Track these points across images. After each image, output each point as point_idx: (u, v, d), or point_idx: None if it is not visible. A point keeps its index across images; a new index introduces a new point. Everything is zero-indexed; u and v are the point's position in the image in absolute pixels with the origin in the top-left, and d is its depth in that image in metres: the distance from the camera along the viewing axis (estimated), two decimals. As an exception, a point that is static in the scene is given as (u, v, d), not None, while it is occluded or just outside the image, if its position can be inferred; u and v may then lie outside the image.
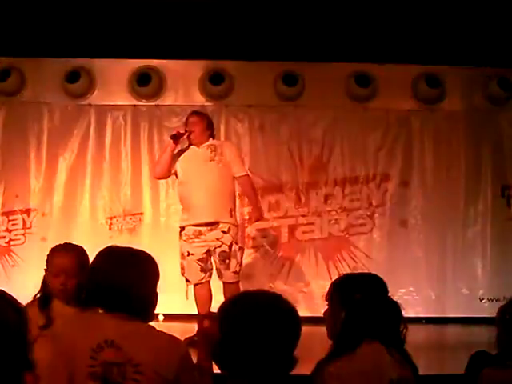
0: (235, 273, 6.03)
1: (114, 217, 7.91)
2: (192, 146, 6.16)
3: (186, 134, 6.11)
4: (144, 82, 7.87)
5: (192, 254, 5.98)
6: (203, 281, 6.01)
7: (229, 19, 7.49)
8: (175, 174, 6.18)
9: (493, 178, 7.97)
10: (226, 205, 6.02)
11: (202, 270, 5.99)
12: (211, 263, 6.04)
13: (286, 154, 7.93)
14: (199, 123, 6.17)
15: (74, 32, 7.51)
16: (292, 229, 7.83)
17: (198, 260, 5.98)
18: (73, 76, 7.83)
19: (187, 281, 6.06)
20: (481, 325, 7.21)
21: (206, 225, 5.95)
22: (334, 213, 7.95)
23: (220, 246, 5.96)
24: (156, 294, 2.86)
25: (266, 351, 2.06)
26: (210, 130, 6.25)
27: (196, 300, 6.08)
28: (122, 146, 7.97)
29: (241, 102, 7.85)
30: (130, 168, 7.95)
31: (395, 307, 2.92)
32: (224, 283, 6.02)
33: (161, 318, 7.24)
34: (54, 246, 3.66)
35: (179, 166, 6.13)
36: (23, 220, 7.93)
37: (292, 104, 7.98)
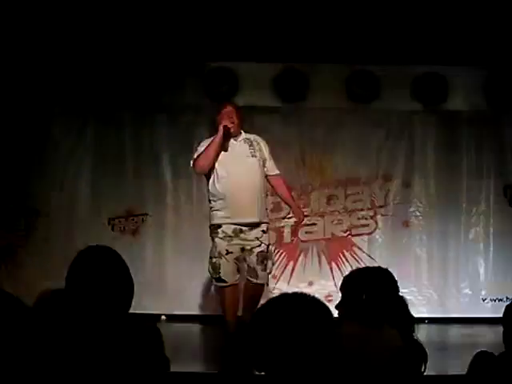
0: (269, 274, 5.92)
1: (117, 217, 7.92)
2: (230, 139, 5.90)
3: (232, 126, 5.83)
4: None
5: (231, 253, 5.73)
6: (237, 282, 5.78)
7: (230, 20, 7.50)
8: (215, 169, 5.85)
9: (495, 177, 7.97)
10: (265, 204, 5.91)
11: (238, 269, 5.80)
12: (245, 264, 5.85)
13: (289, 155, 7.93)
14: (236, 113, 5.90)
15: (75, 34, 7.52)
16: (295, 229, 7.83)
17: (236, 259, 5.75)
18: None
19: (222, 281, 5.76)
20: (483, 325, 7.21)
21: (250, 225, 5.76)
22: (336, 213, 7.96)
23: (259, 246, 5.77)
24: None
25: (298, 352, 2.07)
26: (242, 121, 6.01)
27: (225, 303, 5.78)
28: (125, 145, 7.97)
29: (244, 103, 7.84)
30: (132, 169, 7.95)
31: (402, 302, 3.01)
32: (255, 284, 5.80)
33: (163, 318, 7.26)
34: None
35: (220, 159, 5.82)
36: (26, 221, 7.93)
37: (294, 105, 7.99)
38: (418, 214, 7.96)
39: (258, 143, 5.97)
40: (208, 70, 7.88)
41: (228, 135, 5.84)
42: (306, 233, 7.93)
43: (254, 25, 7.50)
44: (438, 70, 7.87)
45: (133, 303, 2.71)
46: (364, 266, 7.74)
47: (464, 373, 3.50)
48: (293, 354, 2.06)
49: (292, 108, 7.99)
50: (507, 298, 7.51)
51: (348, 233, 7.95)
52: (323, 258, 7.92)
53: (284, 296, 2.22)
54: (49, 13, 7.29)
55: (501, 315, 3.17)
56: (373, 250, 7.91)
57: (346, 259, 7.90)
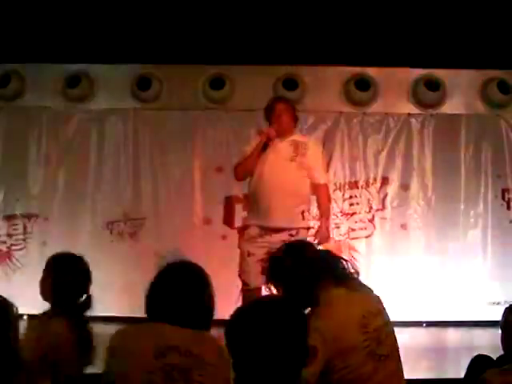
0: None
1: (115, 221, 7.92)
2: (276, 138, 5.63)
3: (275, 133, 5.58)
4: (144, 86, 7.88)
5: (253, 255, 5.51)
6: (261, 285, 5.37)
7: (227, 24, 7.51)
8: None
9: (493, 180, 7.97)
10: (299, 208, 5.59)
11: (263, 271, 5.54)
12: None
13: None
14: (287, 111, 5.65)
15: (74, 37, 7.54)
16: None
17: (260, 260, 5.32)
18: (73, 81, 7.86)
19: (245, 284, 5.58)
20: (481, 328, 7.21)
21: (274, 229, 5.50)
22: (334, 217, 7.94)
23: None
24: (213, 303, 2.84)
25: (279, 355, 2.08)
26: (296, 121, 5.75)
27: None
28: (123, 150, 7.98)
29: (241, 107, 7.86)
30: (130, 172, 7.96)
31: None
32: None
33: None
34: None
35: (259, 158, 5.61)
36: (24, 225, 7.93)
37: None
38: (416, 216, 7.96)
39: (306, 148, 5.64)
40: (205, 74, 7.89)
41: (269, 141, 5.60)
42: (304, 236, 7.91)
43: (251, 28, 7.51)
44: (435, 72, 7.90)
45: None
46: (362, 269, 7.78)
47: (462, 376, 3.51)
48: (268, 358, 2.06)
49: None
50: (505, 302, 7.51)
51: (346, 236, 7.95)
52: (321, 261, 7.90)
53: (262, 302, 2.23)
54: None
55: (499, 318, 3.18)
56: (371, 253, 7.91)
57: (344, 262, 7.88)
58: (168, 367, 2.55)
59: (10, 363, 1.83)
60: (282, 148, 5.62)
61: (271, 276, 3.31)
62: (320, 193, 5.74)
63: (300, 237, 5.51)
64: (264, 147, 5.58)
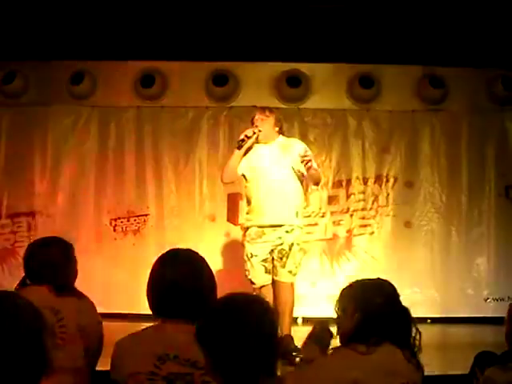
0: (290, 272, 5.78)
1: (119, 218, 7.93)
2: (260, 144, 5.96)
3: (254, 135, 5.89)
4: (148, 83, 7.89)
5: (255, 256, 5.81)
6: (268, 282, 5.82)
7: (231, 21, 7.51)
8: (243, 175, 5.97)
9: (497, 178, 7.97)
10: (293, 206, 5.83)
11: (267, 271, 5.82)
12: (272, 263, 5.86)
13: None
14: (263, 120, 5.94)
15: (77, 34, 7.54)
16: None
17: (262, 261, 5.81)
18: (77, 78, 7.86)
19: (252, 282, 5.86)
20: (485, 325, 7.21)
21: (270, 226, 5.78)
22: (338, 213, 7.96)
23: (281, 244, 5.76)
24: (214, 296, 2.77)
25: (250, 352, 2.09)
26: (278, 127, 6.01)
27: None
28: (126, 147, 7.98)
29: (244, 104, 7.85)
30: (134, 169, 7.96)
31: (405, 312, 2.95)
32: (277, 281, 5.79)
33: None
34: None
35: (247, 165, 5.93)
36: (28, 222, 7.95)
37: (295, 105, 7.99)
38: (419, 214, 7.95)
39: (291, 147, 5.93)
40: (208, 71, 7.89)
41: (248, 138, 5.89)
42: (308, 233, 7.91)
43: (254, 25, 7.51)
44: (439, 70, 7.88)
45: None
46: (366, 266, 7.79)
47: (466, 372, 3.51)
48: (240, 354, 2.08)
49: (293, 108, 7.99)
50: (509, 298, 7.51)
51: (349, 233, 7.95)
52: (325, 258, 7.91)
53: (232, 299, 2.24)
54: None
55: (503, 315, 3.17)
56: (374, 251, 7.91)
57: (348, 259, 7.90)
58: (170, 376, 2.53)
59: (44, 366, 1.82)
60: (269, 151, 5.94)
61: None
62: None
63: (294, 233, 5.80)
64: (241, 143, 5.87)
